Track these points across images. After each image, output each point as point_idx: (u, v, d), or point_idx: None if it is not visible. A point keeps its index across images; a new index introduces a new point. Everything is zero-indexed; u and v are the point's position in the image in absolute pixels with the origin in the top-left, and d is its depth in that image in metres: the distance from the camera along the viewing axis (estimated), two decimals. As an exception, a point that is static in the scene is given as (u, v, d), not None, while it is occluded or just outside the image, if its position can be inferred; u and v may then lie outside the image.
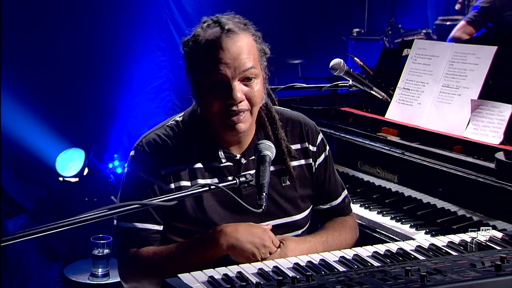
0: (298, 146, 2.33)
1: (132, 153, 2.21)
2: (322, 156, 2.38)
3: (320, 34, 7.18)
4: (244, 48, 2.10)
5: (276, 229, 2.19)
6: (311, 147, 2.35)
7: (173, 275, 1.74)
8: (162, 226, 2.17)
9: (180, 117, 2.26)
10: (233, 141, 2.20)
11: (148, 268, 2.12)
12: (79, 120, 5.20)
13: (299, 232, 2.30)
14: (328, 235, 2.29)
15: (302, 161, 2.32)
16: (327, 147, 2.42)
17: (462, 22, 5.39)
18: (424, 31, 6.96)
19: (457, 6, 6.91)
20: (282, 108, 2.38)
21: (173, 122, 2.25)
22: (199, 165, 2.17)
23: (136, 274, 2.17)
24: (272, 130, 2.27)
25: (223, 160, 2.19)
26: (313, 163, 2.34)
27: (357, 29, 7.17)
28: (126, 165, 2.23)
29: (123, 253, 2.19)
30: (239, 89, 2.08)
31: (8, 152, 4.62)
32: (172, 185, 2.15)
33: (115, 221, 2.19)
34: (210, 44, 2.08)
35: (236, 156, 2.21)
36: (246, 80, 2.10)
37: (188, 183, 2.15)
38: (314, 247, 2.17)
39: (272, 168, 2.19)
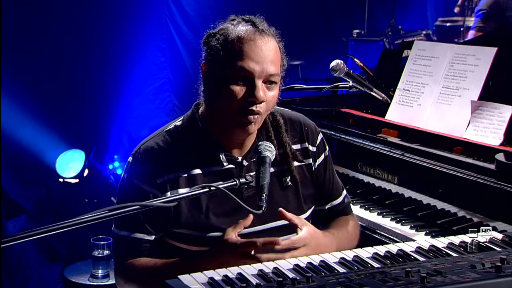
0: (298, 146, 2.32)
1: (130, 159, 2.20)
2: (322, 156, 2.37)
3: (320, 35, 7.18)
4: (274, 52, 2.09)
5: (279, 231, 2.18)
6: (310, 147, 2.34)
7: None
8: (153, 236, 2.16)
9: (179, 121, 2.25)
10: (236, 142, 2.19)
11: (140, 280, 2.14)
12: (79, 121, 5.20)
13: None
14: (339, 232, 2.29)
15: (302, 162, 2.32)
16: (327, 147, 2.41)
17: (472, 32, 5.31)
18: (424, 32, 6.97)
19: (456, 9, 6.91)
20: (281, 108, 2.37)
21: (172, 127, 2.23)
22: (198, 170, 2.16)
23: (128, 284, 2.19)
24: (276, 134, 2.26)
25: (225, 163, 2.18)
26: (313, 163, 2.34)
27: (357, 30, 7.17)
28: (123, 171, 2.23)
29: (117, 261, 2.23)
30: (262, 89, 2.07)
31: (8, 152, 4.62)
32: (169, 194, 2.12)
33: (112, 226, 2.19)
34: (242, 38, 2.06)
35: (238, 159, 2.20)
36: (268, 84, 2.09)
37: (186, 190, 2.12)
38: (330, 243, 2.16)
39: (273, 170, 2.19)
